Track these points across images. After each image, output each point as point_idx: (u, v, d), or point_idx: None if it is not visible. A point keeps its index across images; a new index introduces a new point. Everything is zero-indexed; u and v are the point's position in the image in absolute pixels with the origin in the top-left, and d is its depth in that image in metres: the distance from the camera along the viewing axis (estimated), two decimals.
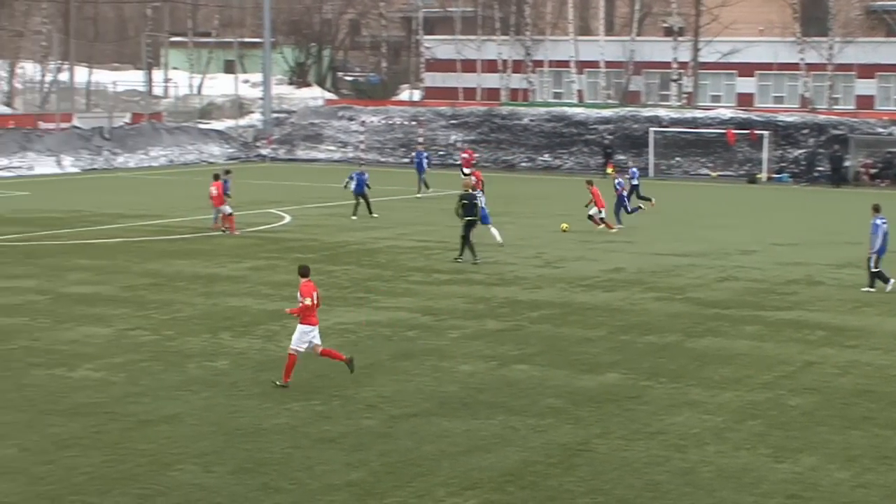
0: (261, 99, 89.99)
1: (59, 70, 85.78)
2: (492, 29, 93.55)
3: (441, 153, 79.43)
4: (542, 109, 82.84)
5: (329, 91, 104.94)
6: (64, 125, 77.03)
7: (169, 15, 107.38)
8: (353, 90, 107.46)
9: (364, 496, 17.08)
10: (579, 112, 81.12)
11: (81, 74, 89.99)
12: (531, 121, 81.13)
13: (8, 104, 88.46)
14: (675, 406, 21.81)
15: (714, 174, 74.53)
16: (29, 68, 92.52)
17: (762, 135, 73.47)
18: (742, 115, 77.89)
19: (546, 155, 79.14)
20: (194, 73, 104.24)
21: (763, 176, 72.42)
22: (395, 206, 53.57)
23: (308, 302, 22.53)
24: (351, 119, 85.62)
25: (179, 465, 18.19)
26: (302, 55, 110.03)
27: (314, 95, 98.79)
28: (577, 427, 20.45)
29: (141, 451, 18.76)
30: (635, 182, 53.37)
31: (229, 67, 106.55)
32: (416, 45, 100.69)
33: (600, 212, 45.85)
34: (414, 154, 66.02)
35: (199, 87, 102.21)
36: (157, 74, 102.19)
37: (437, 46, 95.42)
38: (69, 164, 72.83)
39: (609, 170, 71.91)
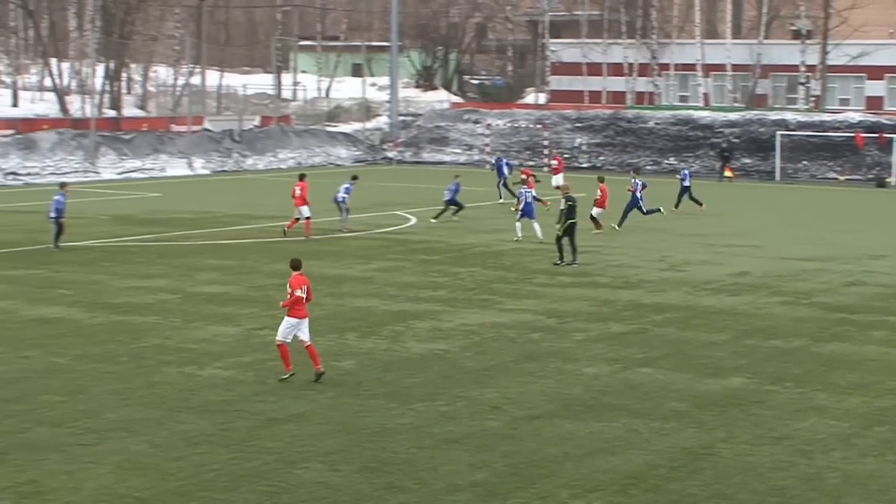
0: (388, 102, 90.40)
1: (191, 74, 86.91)
2: (618, 32, 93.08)
3: (566, 156, 79.24)
4: (668, 113, 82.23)
5: (455, 94, 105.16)
6: (195, 128, 78.06)
7: (298, 19, 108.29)
8: (478, 93, 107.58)
9: (487, 497, 17.10)
10: (705, 115, 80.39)
11: (213, 78, 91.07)
12: (657, 124, 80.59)
13: (141, 107, 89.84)
14: (800, 411, 21.54)
15: (842, 178, 73.43)
16: (162, 72, 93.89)
17: (892, 138, 72.25)
18: (871, 118, 76.66)
19: (671, 158, 78.56)
20: (322, 76, 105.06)
21: (892, 180, 71.21)
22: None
23: (298, 293, 22.90)
24: (476, 122, 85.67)
25: (305, 464, 18.36)
26: (428, 59, 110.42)
27: (440, 98, 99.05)
28: (701, 431, 20.28)
29: (268, 449, 18.96)
30: (686, 184, 53.10)
31: (357, 71, 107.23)
32: (541, 48, 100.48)
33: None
34: (493, 160, 64.92)
35: (327, 90, 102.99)
36: (286, 78, 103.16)
37: (563, 50, 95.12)
38: (200, 165, 73.80)
39: (727, 173, 71.19)
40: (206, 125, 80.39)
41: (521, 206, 43.01)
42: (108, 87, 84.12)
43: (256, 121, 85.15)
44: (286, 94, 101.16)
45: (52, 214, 39.92)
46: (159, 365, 24.32)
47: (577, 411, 21.39)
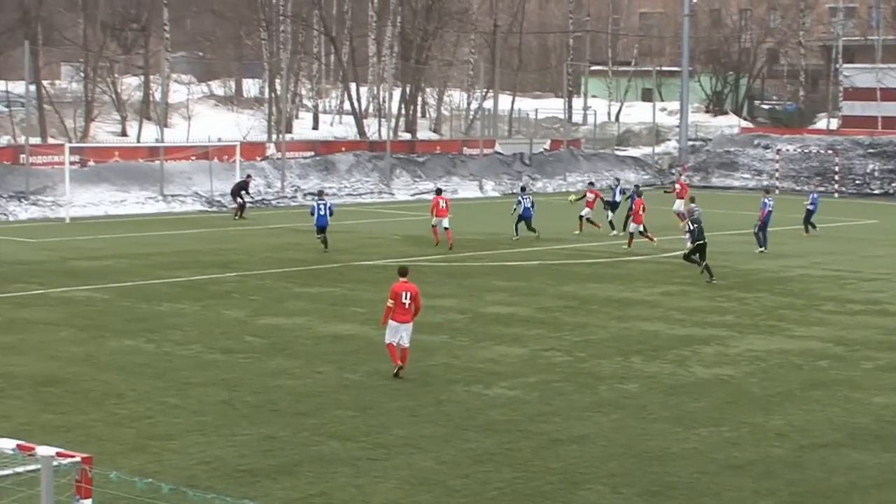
0: (677, 126, 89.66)
1: (484, 98, 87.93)
2: None
3: (857, 182, 77.14)
4: None
5: (745, 119, 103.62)
6: (487, 151, 78.86)
7: (590, 45, 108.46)
8: (769, 118, 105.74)
9: None
10: None
11: (505, 102, 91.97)
12: None
13: (435, 130, 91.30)
14: None
15: None
16: (455, 96, 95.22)
17: None
18: None
19: None
20: (612, 100, 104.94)
21: None
22: (821, 235, 51.82)
23: (389, 303, 24.53)
24: (766, 147, 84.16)
25: (588, 485, 18.26)
26: (719, 83, 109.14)
27: (730, 123, 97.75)
28: None
29: (551, 470, 18.93)
30: (811, 208, 52.01)
31: (647, 95, 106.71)
32: (834, 73, 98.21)
33: (590, 212, 48.80)
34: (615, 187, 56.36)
35: (617, 114, 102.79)
36: (577, 102, 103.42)
37: (857, 75, 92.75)
38: (490, 188, 74.49)
39: None
40: (497, 148, 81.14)
41: (520, 211, 48.31)
42: (403, 111, 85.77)
43: (546, 144, 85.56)
44: (576, 118, 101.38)
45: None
46: (447, 383, 24.56)
47: (865, 441, 20.73)
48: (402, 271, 25.34)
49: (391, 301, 24.64)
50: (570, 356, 27.34)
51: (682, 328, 30.80)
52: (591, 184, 48.18)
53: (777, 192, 58.62)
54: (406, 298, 24.62)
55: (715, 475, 18.80)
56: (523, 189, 55.93)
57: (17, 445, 11.80)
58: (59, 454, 11.47)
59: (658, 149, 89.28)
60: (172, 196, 61.40)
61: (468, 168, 76.18)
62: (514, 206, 49.65)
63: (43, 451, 11.52)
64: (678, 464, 19.35)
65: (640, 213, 46.28)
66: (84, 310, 31.99)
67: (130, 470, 17.26)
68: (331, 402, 22.85)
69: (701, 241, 38.63)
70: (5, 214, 55.36)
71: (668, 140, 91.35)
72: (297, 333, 29.38)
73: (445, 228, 46.34)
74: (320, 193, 48.14)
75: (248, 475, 18.36)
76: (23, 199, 57.22)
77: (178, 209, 59.53)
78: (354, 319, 31.25)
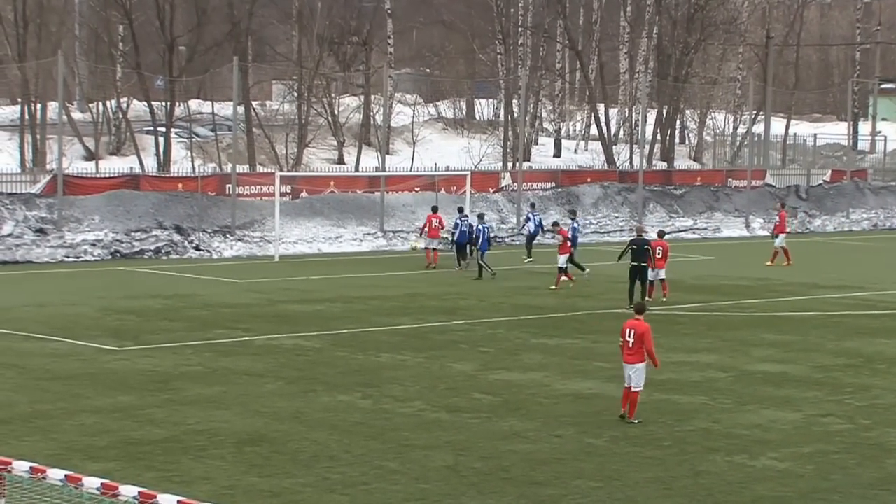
0: None
1: (753, 121, 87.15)
2: None
3: None
4: None
5: None
6: (755, 183, 78.09)
7: (880, 59, 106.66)
8: None
9: None
10: None
11: (777, 126, 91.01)
12: None
13: (695, 158, 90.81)
14: None
15: None
16: (720, 119, 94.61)
17: None
18: None
19: None
20: None
21: None
22: None
23: (620, 342, 26.44)
24: None
25: None
26: None
27: None
28: None
29: None
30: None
31: None
32: None
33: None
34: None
35: None
36: (864, 126, 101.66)
37: None
38: (758, 226, 73.64)
39: None
40: (768, 180, 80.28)
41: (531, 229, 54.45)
42: (659, 136, 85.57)
43: (827, 175, 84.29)
44: (862, 144, 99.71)
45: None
46: (706, 452, 24.37)
47: None
48: (637, 308, 27.35)
49: (621, 340, 26.44)
50: (852, 423, 26.87)
51: None
52: (556, 223, 50.27)
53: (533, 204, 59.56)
54: (629, 336, 26.07)
55: None
56: (533, 206, 60.50)
57: None
58: None
59: None
60: (394, 232, 62.31)
61: (733, 202, 75.56)
62: (524, 224, 55.74)
63: None
64: None
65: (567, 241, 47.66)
66: (293, 360, 32.66)
67: None
68: (571, 470, 22.87)
69: None
70: (209, 251, 56.91)
71: None
72: (532, 391, 29.50)
73: (434, 249, 52.79)
74: (461, 210, 53.49)
75: None
76: (228, 235, 58.76)
77: (400, 247, 60.35)
78: (598, 376, 31.24)
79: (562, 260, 46.48)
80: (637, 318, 26.55)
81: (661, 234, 46.63)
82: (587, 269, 48.63)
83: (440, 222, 53.54)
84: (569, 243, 47.22)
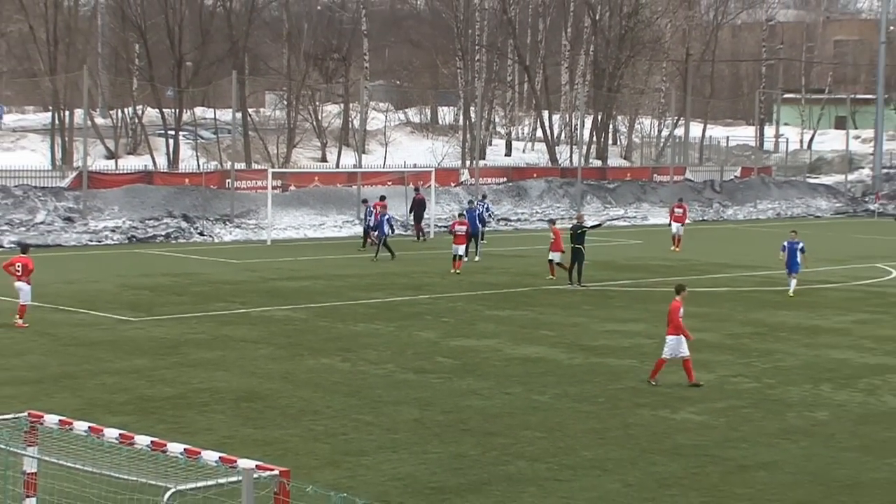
0: (871, 154, 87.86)
1: (675, 125, 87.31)
2: None
3: None
4: None
5: None
6: (677, 178, 78.29)
7: (783, 73, 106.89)
8: None
9: None
10: None
11: (695, 130, 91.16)
12: None
13: (626, 157, 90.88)
14: None
15: None
16: (646, 124, 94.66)
17: None
18: None
19: None
20: (805, 128, 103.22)
21: None
22: None
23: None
24: None
25: None
26: None
27: None
28: None
29: (738, 496, 18.69)
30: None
31: (840, 123, 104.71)
32: None
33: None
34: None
35: (809, 142, 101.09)
36: (769, 130, 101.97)
37: None
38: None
39: None
40: (688, 175, 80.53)
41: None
42: (594, 138, 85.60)
43: (737, 172, 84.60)
44: (768, 145, 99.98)
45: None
46: (634, 407, 24.42)
47: None
48: (675, 288, 27.23)
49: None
50: (758, 382, 26.97)
51: (873, 357, 30.14)
52: (552, 221, 46.47)
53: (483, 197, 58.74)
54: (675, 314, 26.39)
55: None
56: (484, 196, 58.97)
57: (220, 458, 12.12)
58: (258, 467, 11.74)
59: (851, 176, 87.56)
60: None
61: (658, 195, 75.74)
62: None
63: (244, 464, 11.81)
64: (868, 493, 18.94)
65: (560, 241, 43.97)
66: (283, 328, 32.60)
67: (325, 484, 17.53)
68: (519, 422, 22.90)
69: None
70: (211, 236, 56.77)
71: (862, 168, 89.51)
72: (487, 355, 29.51)
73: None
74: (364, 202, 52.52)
75: (439, 492, 18.50)
76: (227, 222, 58.61)
77: (374, 233, 60.11)
78: (544, 342, 31.26)
79: (556, 257, 44.14)
80: (677, 297, 26.63)
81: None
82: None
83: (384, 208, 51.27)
84: (560, 241, 44.02)
